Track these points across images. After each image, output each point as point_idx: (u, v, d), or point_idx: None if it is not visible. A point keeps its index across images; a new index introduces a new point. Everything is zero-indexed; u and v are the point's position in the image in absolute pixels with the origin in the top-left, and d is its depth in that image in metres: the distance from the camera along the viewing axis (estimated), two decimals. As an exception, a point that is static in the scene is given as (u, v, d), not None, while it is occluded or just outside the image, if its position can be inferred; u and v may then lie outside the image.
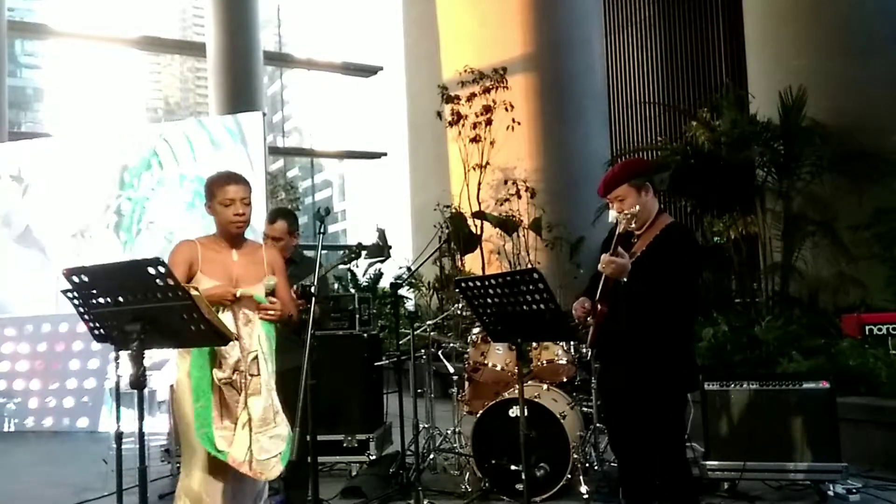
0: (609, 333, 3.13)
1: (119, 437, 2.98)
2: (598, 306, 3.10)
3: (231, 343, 2.70)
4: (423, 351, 5.21)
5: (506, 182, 9.63)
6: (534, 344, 4.74)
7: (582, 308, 3.16)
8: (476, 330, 4.97)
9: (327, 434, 4.75)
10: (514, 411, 4.23)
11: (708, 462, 4.11)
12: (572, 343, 4.70)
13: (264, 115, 7.33)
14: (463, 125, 9.21)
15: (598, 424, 4.62)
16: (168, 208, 7.29)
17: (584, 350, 4.73)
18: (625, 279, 3.00)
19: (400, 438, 4.75)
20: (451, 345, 5.59)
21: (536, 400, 4.27)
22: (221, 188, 2.97)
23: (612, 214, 3.19)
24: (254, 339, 2.87)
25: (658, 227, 3.16)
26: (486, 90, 9.17)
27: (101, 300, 2.52)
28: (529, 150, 10.02)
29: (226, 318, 2.82)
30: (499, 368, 4.73)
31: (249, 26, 15.73)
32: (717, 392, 4.17)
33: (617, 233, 3.15)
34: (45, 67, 49.43)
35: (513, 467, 4.13)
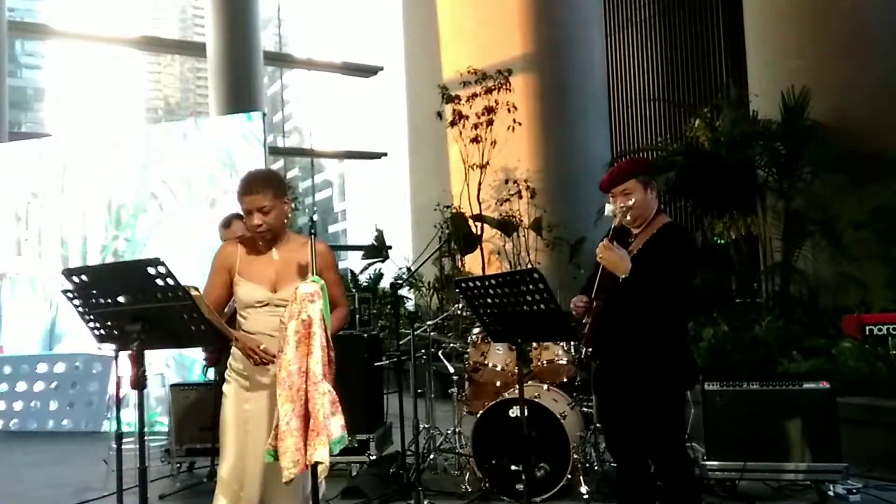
0: (605, 332, 3.13)
1: (119, 437, 2.97)
2: (595, 302, 3.10)
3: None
4: (423, 351, 5.21)
5: (507, 182, 9.64)
6: (534, 344, 4.74)
7: (581, 301, 3.16)
8: (476, 330, 4.97)
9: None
10: (514, 411, 4.23)
11: (708, 462, 4.11)
12: (572, 343, 4.70)
13: (264, 115, 7.33)
14: (464, 125, 9.22)
15: (598, 424, 4.61)
16: (166, 252, 7.12)
17: (584, 350, 4.73)
18: (623, 276, 3.00)
19: (400, 438, 4.75)
20: (452, 345, 5.59)
21: (536, 400, 4.27)
22: (240, 197, 2.90)
23: (609, 208, 3.19)
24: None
25: (655, 227, 3.16)
26: (488, 90, 9.18)
27: (102, 300, 2.52)
28: (530, 150, 10.03)
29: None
30: (499, 368, 4.73)
31: (249, 26, 15.72)
32: (718, 392, 4.17)
33: (613, 226, 3.15)
34: (45, 67, 49.48)
35: (513, 467, 4.13)
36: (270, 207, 2.86)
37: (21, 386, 7.64)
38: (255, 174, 3.00)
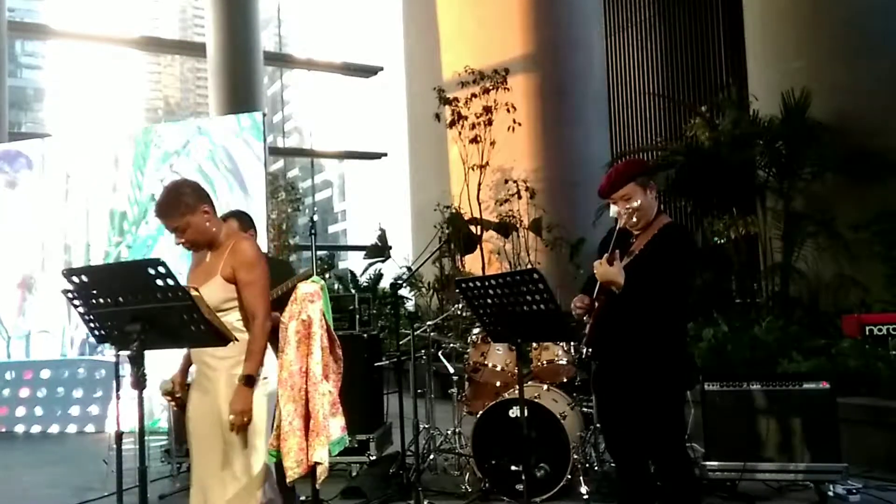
0: (605, 333, 3.13)
1: (119, 437, 2.98)
2: (596, 304, 3.10)
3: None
4: (423, 351, 5.21)
5: (506, 182, 9.64)
6: (534, 344, 4.74)
7: (581, 302, 3.16)
8: (476, 330, 4.97)
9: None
10: (514, 412, 4.23)
11: (708, 462, 4.11)
12: (572, 343, 4.70)
13: (264, 115, 7.32)
14: (463, 126, 9.22)
15: (598, 424, 4.61)
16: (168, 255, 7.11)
17: (584, 350, 4.73)
18: (616, 290, 3.00)
19: (400, 439, 4.76)
20: (452, 345, 5.59)
21: (536, 400, 4.27)
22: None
23: (614, 209, 3.20)
24: None
25: (656, 227, 3.16)
26: (487, 91, 9.18)
27: (102, 300, 2.52)
28: (529, 151, 10.03)
29: None
30: (499, 369, 4.73)
31: (249, 26, 15.71)
32: (717, 392, 4.17)
33: (617, 229, 3.16)
34: (45, 67, 49.50)
35: (513, 467, 4.13)
36: (184, 226, 2.87)
37: (24, 392, 7.64)
38: (159, 200, 2.95)
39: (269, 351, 2.90)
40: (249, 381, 2.75)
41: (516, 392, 3.72)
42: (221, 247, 2.92)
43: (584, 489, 4.17)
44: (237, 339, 2.74)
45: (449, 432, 5.13)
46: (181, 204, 2.86)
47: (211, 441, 2.83)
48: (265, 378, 2.85)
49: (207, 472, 2.85)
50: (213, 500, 2.81)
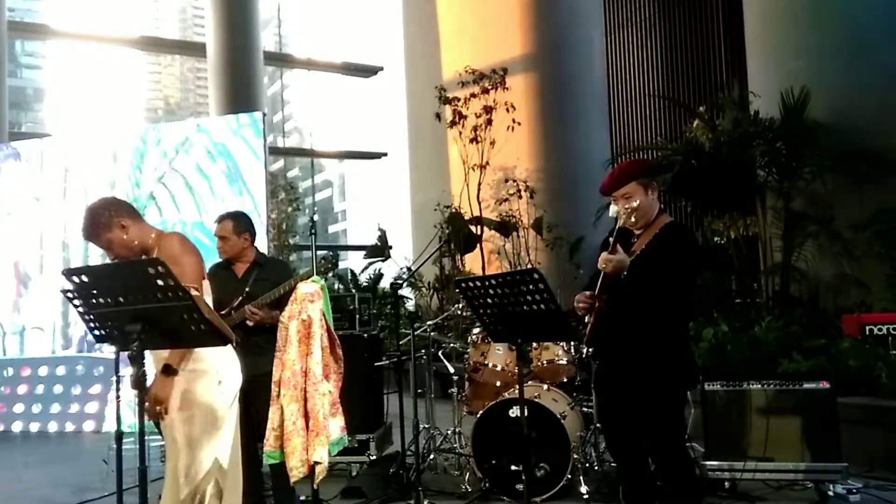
0: (607, 332, 3.13)
1: (119, 437, 2.97)
2: (597, 302, 3.10)
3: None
4: (423, 351, 5.21)
5: (506, 181, 9.64)
6: (534, 344, 4.74)
7: (584, 299, 3.15)
8: (476, 330, 4.98)
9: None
10: (514, 411, 4.23)
11: (708, 462, 4.11)
12: (573, 343, 4.70)
13: (264, 115, 7.32)
14: (463, 126, 9.23)
15: (598, 424, 4.61)
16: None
17: (584, 350, 4.73)
18: (624, 273, 3.00)
19: (400, 438, 4.75)
20: (452, 345, 5.59)
21: (537, 400, 4.27)
22: None
23: (613, 209, 3.20)
24: None
25: (657, 227, 3.16)
26: (486, 90, 9.18)
27: (102, 300, 2.52)
28: (529, 150, 10.03)
29: None
30: (499, 368, 4.73)
31: (249, 26, 15.71)
32: (718, 392, 4.18)
33: (616, 228, 3.16)
34: (45, 67, 49.49)
35: (513, 467, 4.13)
36: (107, 244, 2.96)
37: (22, 389, 7.62)
38: (81, 225, 3.01)
39: (231, 353, 2.90)
40: (167, 369, 2.79)
41: (516, 392, 3.72)
42: (153, 251, 2.98)
43: (584, 489, 4.17)
44: (238, 339, 2.74)
45: (449, 432, 5.13)
46: (97, 225, 2.96)
47: (170, 431, 2.94)
48: (219, 382, 2.87)
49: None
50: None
